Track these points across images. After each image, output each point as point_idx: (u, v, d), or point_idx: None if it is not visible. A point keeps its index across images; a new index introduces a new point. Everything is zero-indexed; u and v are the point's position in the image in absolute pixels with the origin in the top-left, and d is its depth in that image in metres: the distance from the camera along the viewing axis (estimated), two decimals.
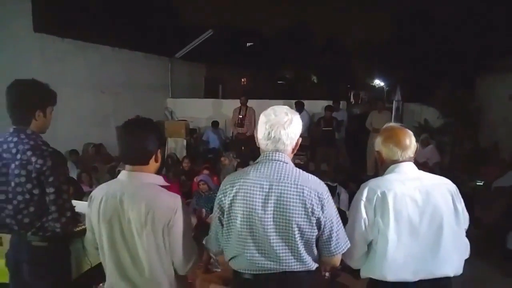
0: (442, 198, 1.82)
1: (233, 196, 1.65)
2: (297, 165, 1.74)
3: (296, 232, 1.60)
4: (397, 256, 1.78)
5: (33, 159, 1.90)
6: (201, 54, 11.53)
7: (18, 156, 1.92)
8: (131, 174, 1.70)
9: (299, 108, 7.82)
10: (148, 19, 9.99)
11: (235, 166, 6.35)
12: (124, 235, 1.66)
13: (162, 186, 1.72)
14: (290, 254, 1.62)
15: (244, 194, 1.63)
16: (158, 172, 1.81)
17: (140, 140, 1.69)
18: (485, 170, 6.21)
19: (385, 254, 1.79)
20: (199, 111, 10.27)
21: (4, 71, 6.16)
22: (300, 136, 1.74)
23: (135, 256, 1.67)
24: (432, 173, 1.96)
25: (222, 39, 13.09)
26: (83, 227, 2.37)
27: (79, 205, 2.43)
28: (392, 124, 2.08)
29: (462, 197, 1.89)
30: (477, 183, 5.82)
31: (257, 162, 1.71)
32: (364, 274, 1.94)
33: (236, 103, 8.74)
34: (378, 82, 26.93)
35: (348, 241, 1.73)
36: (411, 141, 1.91)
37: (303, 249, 1.63)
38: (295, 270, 1.65)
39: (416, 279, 1.79)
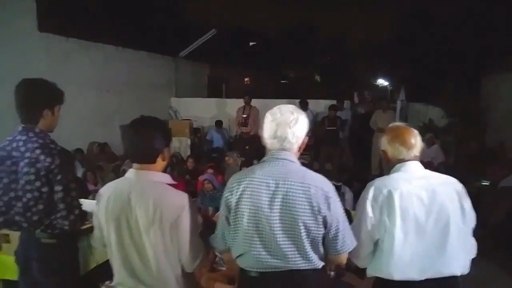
0: (449, 197, 1.82)
1: (240, 194, 1.66)
2: (301, 164, 1.74)
3: (303, 231, 1.60)
4: (403, 254, 1.78)
5: (42, 157, 1.93)
6: (204, 53, 11.56)
7: (27, 155, 1.94)
8: (138, 172, 1.72)
9: (303, 107, 7.83)
10: (152, 18, 10.00)
11: (239, 165, 6.38)
12: (132, 232, 1.68)
13: (169, 184, 1.74)
14: (296, 252, 1.63)
15: (250, 192, 1.64)
16: (163, 171, 1.82)
17: (147, 139, 1.70)
18: (491, 170, 6.17)
19: (391, 252, 1.79)
20: (203, 110, 10.30)
21: (9, 70, 6.22)
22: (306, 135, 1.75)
23: (143, 254, 1.68)
24: None
25: (226, 39, 13.10)
26: (89, 225, 2.40)
27: (85, 204, 2.45)
28: (397, 123, 2.09)
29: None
30: (483, 183, 5.80)
31: (263, 161, 1.72)
32: (370, 272, 1.94)
33: (240, 102, 8.75)
34: (382, 82, 26.86)
35: (355, 240, 1.74)
36: (416, 140, 1.92)
37: (309, 247, 1.63)
38: (301, 268, 1.65)
39: (423, 278, 1.80)
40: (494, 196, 5.24)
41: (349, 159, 8.79)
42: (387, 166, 2.00)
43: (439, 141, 7.45)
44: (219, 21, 12.71)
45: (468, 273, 1.88)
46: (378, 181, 1.89)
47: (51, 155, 1.94)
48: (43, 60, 6.98)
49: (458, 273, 1.85)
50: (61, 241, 2.09)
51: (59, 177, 1.95)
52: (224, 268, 3.46)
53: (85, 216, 2.15)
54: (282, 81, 22.71)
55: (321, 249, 1.69)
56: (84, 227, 2.31)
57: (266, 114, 1.72)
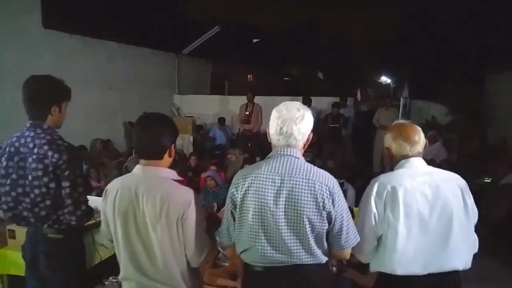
0: (452, 193, 1.84)
1: (245, 190, 1.68)
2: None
3: (307, 226, 1.63)
4: (407, 250, 1.81)
5: (50, 153, 1.95)
6: (207, 50, 11.55)
7: (35, 151, 1.97)
8: (145, 168, 1.74)
9: (307, 104, 7.72)
10: (155, 15, 10.02)
11: (241, 162, 6.40)
12: (139, 227, 1.70)
13: (176, 180, 1.76)
14: (301, 247, 1.65)
15: (256, 188, 1.66)
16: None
17: (154, 135, 1.72)
18: (493, 167, 6.19)
19: (395, 248, 1.82)
20: (206, 107, 10.30)
21: (14, 66, 6.27)
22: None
23: (149, 249, 1.71)
24: None
25: (229, 36, 13.08)
26: (93, 221, 2.44)
27: (90, 200, 2.47)
28: (401, 121, 2.11)
29: None
30: (485, 180, 5.81)
31: (269, 157, 1.74)
32: (373, 268, 1.97)
33: (243, 99, 8.74)
34: (385, 79, 26.79)
35: (358, 235, 1.76)
36: (420, 137, 1.94)
37: (313, 242, 1.66)
38: (306, 263, 1.68)
39: (426, 273, 1.82)
40: (495, 193, 5.25)
41: (351, 156, 8.80)
42: (391, 162, 2.03)
43: (442, 138, 7.45)
44: (222, 18, 12.68)
45: (469, 269, 1.90)
46: (383, 177, 1.91)
47: (58, 151, 1.96)
48: (47, 57, 7.02)
49: (461, 268, 1.87)
50: (68, 236, 2.11)
51: (66, 173, 1.97)
52: (226, 264, 3.47)
53: (91, 211, 2.17)
54: (285, 78, 22.68)
55: (325, 244, 1.71)
56: (88, 223, 2.34)
57: (273, 111, 1.74)
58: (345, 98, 8.89)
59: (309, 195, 1.62)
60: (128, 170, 5.76)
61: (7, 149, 2.04)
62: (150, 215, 1.67)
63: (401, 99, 8.79)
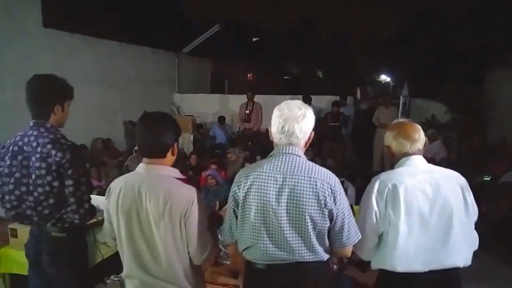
0: (452, 191, 1.86)
1: (248, 188, 1.70)
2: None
3: (309, 224, 1.64)
4: (407, 247, 1.82)
5: (53, 152, 1.96)
6: (207, 49, 11.55)
7: (39, 149, 1.97)
8: (148, 166, 1.75)
9: (307, 103, 7.77)
10: (155, 14, 10.02)
11: (241, 161, 6.41)
12: (142, 226, 1.71)
13: (178, 179, 1.77)
14: (303, 245, 1.67)
15: (258, 186, 1.68)
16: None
17: (158, 134, 1.73)
18: (492, 165, 6.21)
19: (395, 245, 1.83)
20: (206, 106, 10.31)
21: (14, 65, 6.28)
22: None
23: (153, 247, 1.72)
24: None
25: (229, 34, 13.07)
26: (95, 220, 2.45)
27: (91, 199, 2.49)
28: (401, 119, 2.13)
29: None
30: (484, 178, 5.83)
31: (271, 156, 1.76)
32: (374, 265, 1.98)
33: (242, 98, 8.73)
34: (384, 78, 26.78)
35: (359, 233, 1.77)
36: (420, 135, 1.97)
37: (315, 240, 1.67)
38: (307, 260, 1.69)
39: (426, 270, 1.84)
40: (495, 191, 5.27)
41: (351, 154, 8.81)
42: (391, 161, 2.04)
43: (441, 136, 7.47)
44: (222, 17, 12.67)
45: (469, 266, 1.92)
46: (383, 175, 1.93)
47: (62, 150, 1.97)
48: (47, 56, 7.02)
49: (461, 265, 1.89)
50: (71, 234, 2.13)
51: (69, 171, 1.98)
52: (228, 262, 3.49)
53: (94, 210, 2.18)
54: (285, 77, 22.66)
55: (327, 242, 1.72)
56: (90, 222, 2.35)
57: (274, 110, 1.75)
58: (345, 97, 8.90)
59: (311, 193, 1.63)
60: (128, 169, 5.78)
61: (11, 148, 2.04)
62: (153, 214, 1.68)
63: (401, 97, 8.81)
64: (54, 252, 2.10)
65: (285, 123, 1.69)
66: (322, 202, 1.63)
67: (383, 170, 5.24)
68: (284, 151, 1.71)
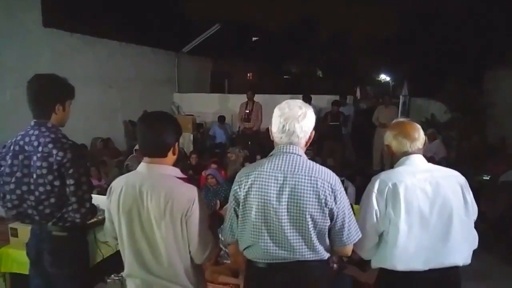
0: (452, 190, 1.87)
1: (248, 187, 1.70)
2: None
3: (310, 223, 1.65)
4: (408, 246, 1.83)
5: (54, 151, 1.96)
6: (207, 48, 11.55)
7: (40, 149, 1.98)
8: (149, 166, 1.76)
9: (307, 102, 7.80)
10: (155, 13, 10.02)
11: (241, 160, 6.42)
12: (143, 225, 1.72)
13: (179, 178, 1.77)
14: (303, 243, 1.67)
15: (259, 185, 1.68)
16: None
17: (159, 133, 1.74)
18: (492, 165, 6.22)
19: (396, 244, 1.84)
20: (206, 105, 10.31)
21: (14, 65, 6.28)
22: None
23: (154, 246, 1.72)
24: None
25: (229, 34, 13.07)
26: (95, 219, 2.45)
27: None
28: (400, 119, 2.14)
29: None
30: (484, 178, 5.84)
31: (272, 155, 1.76)
32: (375, 264, 1.99)
33: (242, 97, 8.74)
34: (384, 77, 26.78)
35: (359, 232, 1.78)
36: (419, 134, 1.98)
37: (316, 239, 1.68)
38: (308, 259, 1.70)
39: (426, 268, 1.85)
40: (494, 191, 5.28)
41: (351, 154, 8.82)
42: (391, 160, 2.05)
43: (441, 136, 7.48)
44: (222, 16, 12.67)
45: (469, 265, 1.93)
46: (384, 175, 1.94)
47: (63, 149, 1.97)
48: (47, 56, 7.02)
49: (461, 264, 1.90)
50: (72, 234, 2.13)
51: (71, 171, 1.98)
52: (228, 261, 3.49)
53: (95, 209, 2.19)
54: (285, 77, 22.66)
55: (327, 241, 1.73)
56: (91, 221, 2.35)
57: (275, 109, 1.76)
58: (345, 96, 8.91)
59: (311, 192, 1.64)
60: (128, 169, 5.79)
61: (12, 147, 2.05)
62: (154, 213, 1.68)
63: (401, 97, 8.80)
64: (55, 251, 2.10)
65: (286, 122, 1.70)
66: (323, 201, 1.64)
67: (383, 169, 5.26)
68: (284, 150, 1.72)
